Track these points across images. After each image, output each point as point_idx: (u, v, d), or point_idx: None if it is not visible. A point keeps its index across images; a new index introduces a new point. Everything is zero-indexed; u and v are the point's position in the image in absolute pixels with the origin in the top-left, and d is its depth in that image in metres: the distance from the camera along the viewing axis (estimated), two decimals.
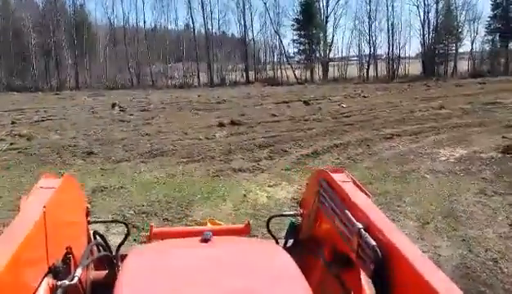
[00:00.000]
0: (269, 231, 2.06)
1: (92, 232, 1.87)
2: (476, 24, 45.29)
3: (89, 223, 1.89)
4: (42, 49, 43.34)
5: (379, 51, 46.97)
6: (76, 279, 1.28)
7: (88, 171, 8.52)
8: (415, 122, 13.33)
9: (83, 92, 35.27)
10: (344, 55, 48.57)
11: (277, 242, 1.95)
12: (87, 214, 1.88)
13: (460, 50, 45.67)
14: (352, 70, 45.97)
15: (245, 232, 2.30)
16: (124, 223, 2.24)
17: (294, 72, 45.30)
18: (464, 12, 44.79)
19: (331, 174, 1.68)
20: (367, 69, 45.80)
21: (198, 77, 46.13)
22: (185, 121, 15.12)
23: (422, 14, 44.83)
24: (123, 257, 1.55)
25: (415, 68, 44.91)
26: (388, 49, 45.60)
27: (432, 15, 44.70)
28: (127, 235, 2.03)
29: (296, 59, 48.47)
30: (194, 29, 48.83)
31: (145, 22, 51.00)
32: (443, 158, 8.65)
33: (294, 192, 6.73)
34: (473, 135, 10.81)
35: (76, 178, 1.88)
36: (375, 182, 7.06)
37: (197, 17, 64.43)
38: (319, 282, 1.57)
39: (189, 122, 14.84)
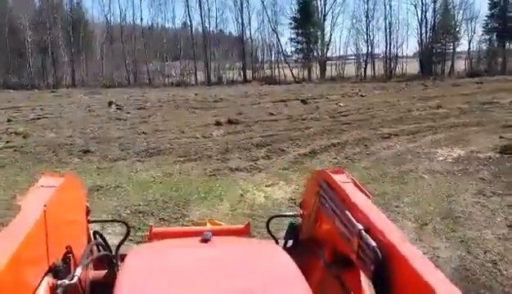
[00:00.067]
0: (269, 232, 2.04)
1: (91, 231, 1.87)
2: (473, 23, 45.40)
3: (89, 222, 1.88)
4: (39, 46, 43.11)
5: (376, 50, 47.02)
6: (76, 279, 1.28)
7: (84, 169, 8.47)
8: (412, 121, 13.32)
9: (79, 90, 35.13)
10: (342, 54, 48.58)
11: (277, 243, 1.93)
12: (87, 213, 1.87)
13: (458, 49, 45.77)
14: (350, 69, 45.95)
15: (245, 232, 2.29)
16: (124, 222, 2.23)
17: (291, 71, 45.23)
18: (461, 11, 44.86)
19: (331, 175, 1.67)
20: (365, 68, 45.77)
21: (195, 75, 45.99)
22: (182, 119, 15.06)
23: (419, 13, 44.87)
24: (123, 257, 1.54)
25: (413, 67, 44.89)
26: (386, 48, 45.61)
27: (429, 14, 44.75)
28: (127, 235, 2.00)
29: (294, 57, 48.38)
30: (191, 27, 48.72)
31: (142, 20, 50.91)
32: (441, 158, 8.63)
33: (291, 192, 6.70)
34: (470, 135, 10.81)
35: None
36: (372, 182, 7.03)
37: (194, 15, 64.42)
38: (319, 283, 1.56)
39: (186, 120, 14.78)
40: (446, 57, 44.51)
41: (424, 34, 44.94)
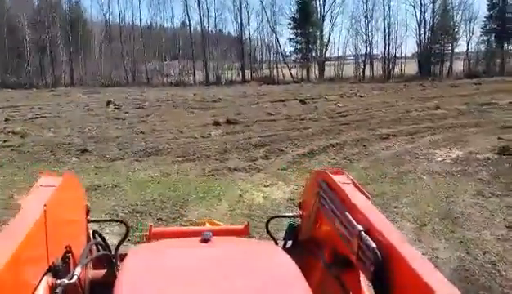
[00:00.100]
0: (268, 232, 2.05)
1: (91, 231, 1.87)
2: (472, 24, 45.48)
3: (88, 222, 1.88)
4: (37, 45, 43.02)
5: (375, 51, 47.04)
6: (75, 278, 1.28)
7: (82, 169, 8.43)
8: (411, 122, 13.32)
9: (77, 89, 35.06)
10: (340, 54, 48.60)
11: (276, 244, 1.93)
12: (87, 213, 1.87)
13: (456, 50, 45.79)
14: (348, 69, 45.93)
15: (244, 233, 2.29)
16: (124, 222, 2.23)
17: (290, 71, 45.22)
18: (460, 12, 44.91)
19: (331, 175, 1.66)
20: (363, 69, 45.80)
21: (194, 75, 45.96)
22: (180, 119, 15.04)
23: (418, 14, 44.90)
24: (122, 257, 1.55)
25: (411, 68, 44.95)
26: (385, 49, 45.63)
27: (428, 14, 44.78)
28: (126, 235, 2.00)
29: (292, 58, 48.41)
30: (190, 27, 48.69)
31: (141, 19, 50.73)
32: (440, 159, 8.63)
33: (290, 192, 6.69)
34: (469, 136, 10.81)
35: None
36: (371, 183, 7.02)
37: (193, 15, 64.42)
38: (318, 284, 1.56)
39: (184, 120, 14.76)
40: (444, 58, 44.53)
41: (422, 35, 45.00)
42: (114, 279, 1.24)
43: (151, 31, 49.66)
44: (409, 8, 58.31)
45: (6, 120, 15.27)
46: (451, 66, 43.96)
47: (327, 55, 47.53)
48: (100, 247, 1.82)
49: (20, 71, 43.06)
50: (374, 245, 1.16)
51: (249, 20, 47.59)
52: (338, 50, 49.33)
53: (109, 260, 1.78)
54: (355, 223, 1.30)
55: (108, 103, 20.33)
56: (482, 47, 45.50)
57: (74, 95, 28.04)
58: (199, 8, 46.90)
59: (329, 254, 1.57)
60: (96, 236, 1.86)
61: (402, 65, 45.88)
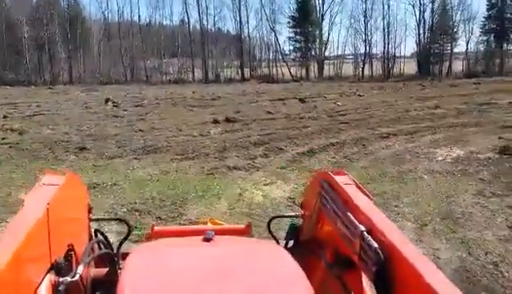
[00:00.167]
0: (270, 232, 2.05)
1: (93, 229, 1.88)
2: (471, 24, 45.52)
3: (91, 220, 1.89)
4: (36, 43, 42.92)
5: (374, 50, 47.08)
6: (78, 276, 1.30)
7: (81, 167, 8.38)
8: (410, 121, 13.30)
9: (76, 87, 34.99)
10: (340, 53, 48.63)
11: (278, 243, 1.93)
12: (89, 211, 1.89)
13: (455, 50, 45.87)
14: (348, 69, 45.93)
15: (246, 232, 2.29)
16: (125, 221, 2.23)
17: (289, 69, 45.20)
18: (459, 12, 45.00)
19: (333, 176, 1.67)
20: (362, 68, 45.83)
21: (193, 73, 45.93)
22: (179, 117, 14.99)
23: (417, 13, 44.98)
24: (124, 255, 1.56)
25: (410, 67, 44.99)
26: (384, 48, 45.68)
27: (427, 14, 44.88)
28: (128, 233, 2.00)
29: (292, 56, 48.41)
30: (189, 25, 48.65)
31: (139, 17, 50.49)
32: (440, 158, 8.59)
33: (289, 191, 6.65)
34: (469, 136, 10.78)
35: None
36: (371, 182, 6.98)
37: (192, 12, 64.35)
38: (320, 284, 1.56)
39: (183, 118, 14.72)
40: (443, 58, 44.59)
41: (421, 35, 45.06)
42: (116, 278, 1.26)
43: (150, 29, 49.54)
44: (408, 8, 58.55)
45: (5, 117, 15.19)
46: (450, 66, 44.02)
47: (326, 54, 47.66)
48: (102, 246, 1.83)
49: (19, 68, 42.95)
50: (376, 245, 1.16)
51: (248, 19, 47.66)
52: (337, 49, 49.28)
53: (111, 259, 1.79)
54: (357, 223, 1.31)
55: (106, 100, 20.27)
56: (482, 47, 45.66)
57: (72, 93, 27.96)
58: (198, 6, 46.97)
59: (331, 254, 1.57)
60: (98, 234, 1.88)
61: (402, 65, 45.96)
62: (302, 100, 20.02)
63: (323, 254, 1.61)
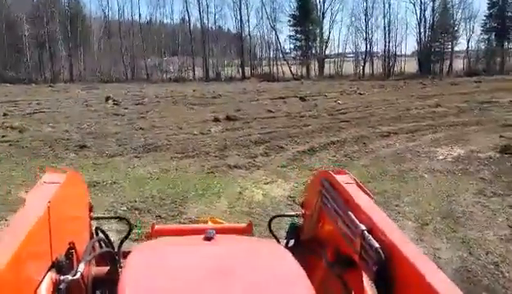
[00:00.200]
0: (271, 231, 2.05)
1: (94, 228, 1.89)
2: (472, 22, 45.48)
3: (92, 219, 1.89)
4: (36, 41, 42.92)
5: (375, 49, 47.05)
6: (79, 275, 1.29)
7: (81, 165, 8.36)
8: (411, 119, 13.27)
9: (76, 85, 34.97)
10: (340, 51, 48.59)
11: (278, 242, 1.92)
12: (90, 210, 1.88)
13: (456, 48, 45.83)
14: (348, 67, 45.91)
15: (247, 231, 2.28)
16: (127, 220, 2.23)
17: (290, 68, 45.18)
18: (460, 10, 44.97)
19: (334, 175, 1.66)
20: (363, 66, 45.79)
21: (193, 71, 45.91)
22: (180, 115, 14.98)
23: (418, 11, 44.91)
24: (125, 254, 1.57)
25: (411, 66, 44.93)
26: (385, 46, 45.64)
27: (428, 12, 44.81)
28: (129, 232, 2.02)
29: (292, 55, 48.37)
30: (189, 23, 48.64)
31: (140, 15, 50.58)
32: (441, 157, 8.57)
33: (290, 190, 6.64)
34: (470, 134, 10.75)
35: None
36: (372, 181, 6.95)
37: (193, 11, 64.25)
38: (321, 283, 1.55)
39: (184, 116, 14.70)
40: (444, 56, 44.57)
41: (422, 33, 45.00)
42: (116, 276, 1.26)
43: (150, 27, 49.53)
44: (409, 6, 58.43)
45: (5, 115, 15.18)
46: (451, 64, 43.98)
47: (327, 52, 47.66)
48: (103, 244, 1.83)
49: (19, 66, 42.94)
50: (377, 245, 1.16)
51: (248, 17, 47.65)
52: (338, 47, 49.28)
53: (112, 257, 1.78)
54: (358, 222, 1.30)
55: (107, 99, 20.25)
56: (483, 46, 45.60)
57: (72, 91, 27.95)
58: (199, 4, 46.95)
59: (331, 253, 1.56)
60: (99, 233, 1.87)
61: (402, 63, 45.91)
62: (302, 99, 19.99)
63: (324, 253, 1.61)
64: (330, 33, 47.53)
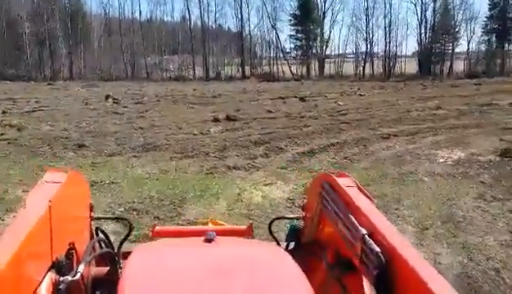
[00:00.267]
0: (271, 233, 2.05)
1: (94, 228, 1.89)
2: (473, 23, 45.45)
3: (92, 219, 1.89)
4: (36, 38, 42.85)
5: (375, 49, 47.03)
6: (79, 275, 1.30)
7: (79, 164, 8.32)
8: (411, 121, 13.23)
9: (76, 83, 34.92)
10: (341, 51, 48.56)
11: (279, 245, 1.93)
12: (91, 210, 1.88)
13: (457, 49, 45.85)
14: (349, 67, 45.89)
15: (248, 233, 2.29)
16: (128, 220, 2.25)
17: (290, 68, 45.14)
18: (461, 12, 44.93)
19: (335, 178, 1.66)
20: (363, 67, 45.77)
21: (193, 70, 45.87)
22: (179, 115, 14.94)
23: (419, 12, 44.87)
24: (125, 254, 1.58)
25: (412, 67, 44.90)
26: (385, 47, 45.61)
27: (429, 13, 44.77)
28: (129, 233, 2.01)
29: (292, 54, 48.34)
30: (190, 22, 48.61)
31: (140, 13, 50.47)
32: (441, 160, 8.53)
33: (289, 192, 6.60)
34: (470, 137, 10.71)
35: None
36: (372, 183, 6.91)
37: (194, 9, 64.18)
38: (321, 286, 1.55)
39: (184, 116, 14.66)
40: (445, 57, 44.56)
41: (423, 34, 45.00)
42: (116, 277, 1.28)
43: (151, 25, 49.49)
44: (410, 6, 58.23)
45: (4, 113, 15.13)
46: (451, 66, 43.96)
47: (327, 52, 47.61)
48: (103, 244, 1.84)
49: (19, 64, 42.89)
50: (377, 249, 1.17)
51: (249, 16, 47.79)
52: (338, 47, 49.22)
53: (112, 258, 1.78)
54: (358, 226, 1.31)
55: (107, 97, 20.21)
56: (483, 47, 45.55)
57: (72, 89, 27.90)
58: (200, 2, 46.91)
59: (331, 256, 1.57)
60: (100, 233, 1.88)
61: (403, 64, 45.89)
62: (302, 99, 19.95)
63: (324, 256, 1.61)
64: (330, 32, 47.56)
